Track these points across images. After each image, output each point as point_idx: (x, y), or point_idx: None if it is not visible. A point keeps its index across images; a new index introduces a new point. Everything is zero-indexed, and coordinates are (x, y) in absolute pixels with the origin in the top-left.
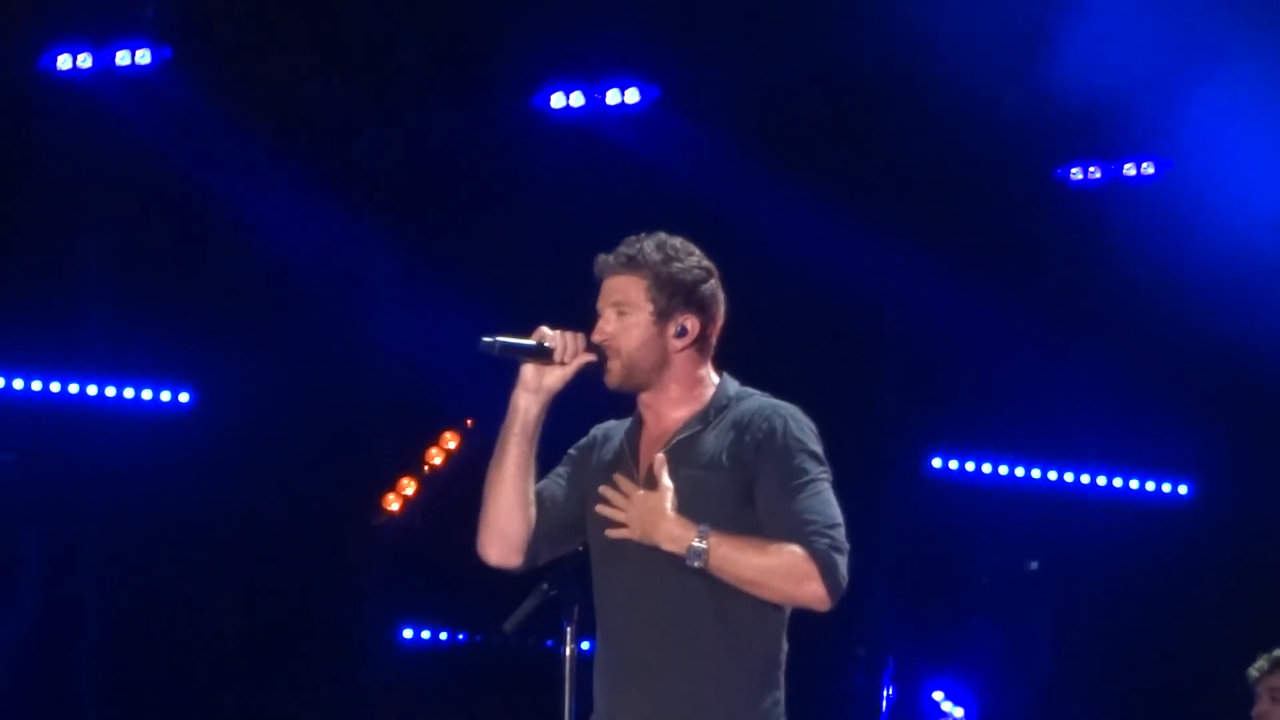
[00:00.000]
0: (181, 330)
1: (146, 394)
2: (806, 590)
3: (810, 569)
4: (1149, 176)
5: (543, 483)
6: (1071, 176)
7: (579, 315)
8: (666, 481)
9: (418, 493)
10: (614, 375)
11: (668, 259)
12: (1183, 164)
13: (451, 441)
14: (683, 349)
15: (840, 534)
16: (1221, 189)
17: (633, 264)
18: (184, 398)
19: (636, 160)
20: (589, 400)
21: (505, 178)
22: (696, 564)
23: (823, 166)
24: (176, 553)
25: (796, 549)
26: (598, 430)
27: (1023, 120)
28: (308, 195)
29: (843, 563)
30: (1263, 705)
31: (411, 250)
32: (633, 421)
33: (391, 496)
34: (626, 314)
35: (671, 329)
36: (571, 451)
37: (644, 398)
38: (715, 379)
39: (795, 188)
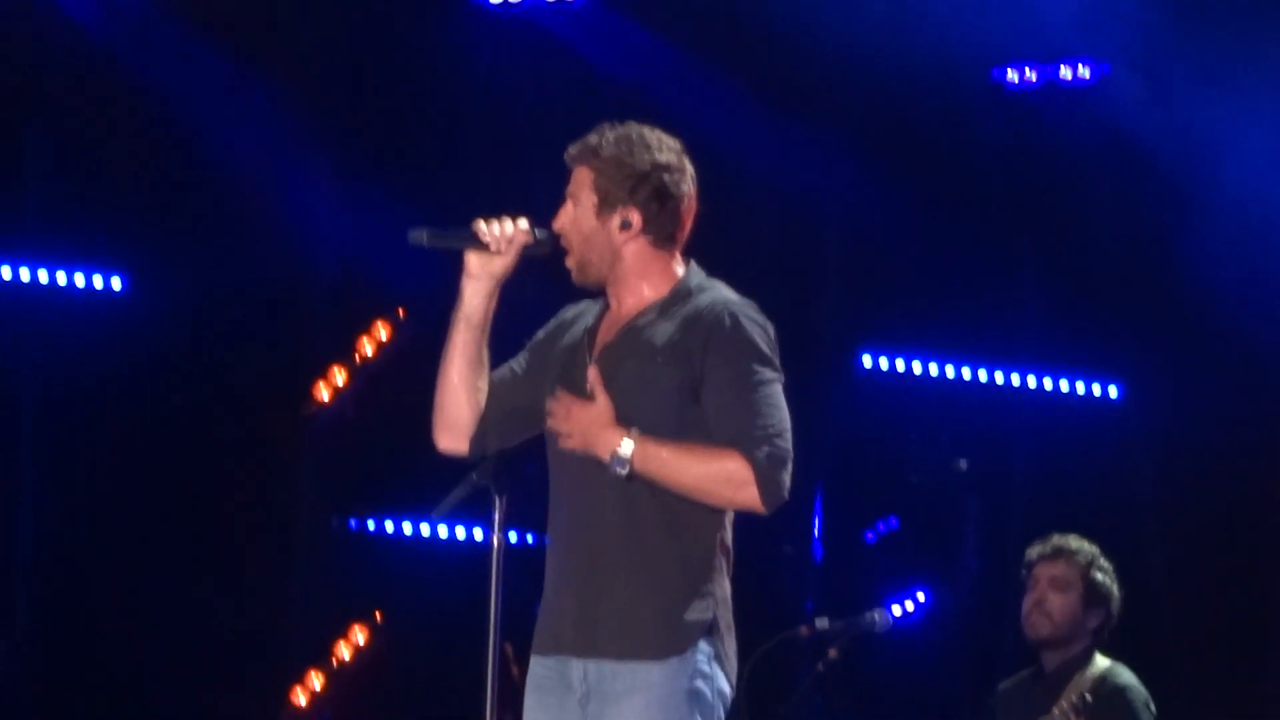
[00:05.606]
0: (116, 216)
1: (79, 279)
2: (743, 496)
3: (746, 476)
4: (1084, 80)
5: (499, 370)
6: (1008, 79)
7: (517, 207)
8: (602, 395)
9: (348, 382)
10: (572, 271)
11: (619, 150)
12: (1118, 68)
13: (383, 331)
14: (628, 242)
15: (783, 442)
16: (1156, 94)
17: (583, 154)
18: (116, 283)
19: (575, 56)
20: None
21: (444, 70)
22: (621, 471)
23: (761, 65)
24: (106, 440)
25: (734, 456)
26: (568, 311)
27: (960, 20)
28: (244, 84)
29: (782, 471)
30: (1040, 592)
31: (349, 139)
32: (601, 303)
33: (322, 385)
34: (576, 206)
35: (615, 221)
36: (539, 334)
37: (607, 286)
38: (680, 269)
39: (732, 86)
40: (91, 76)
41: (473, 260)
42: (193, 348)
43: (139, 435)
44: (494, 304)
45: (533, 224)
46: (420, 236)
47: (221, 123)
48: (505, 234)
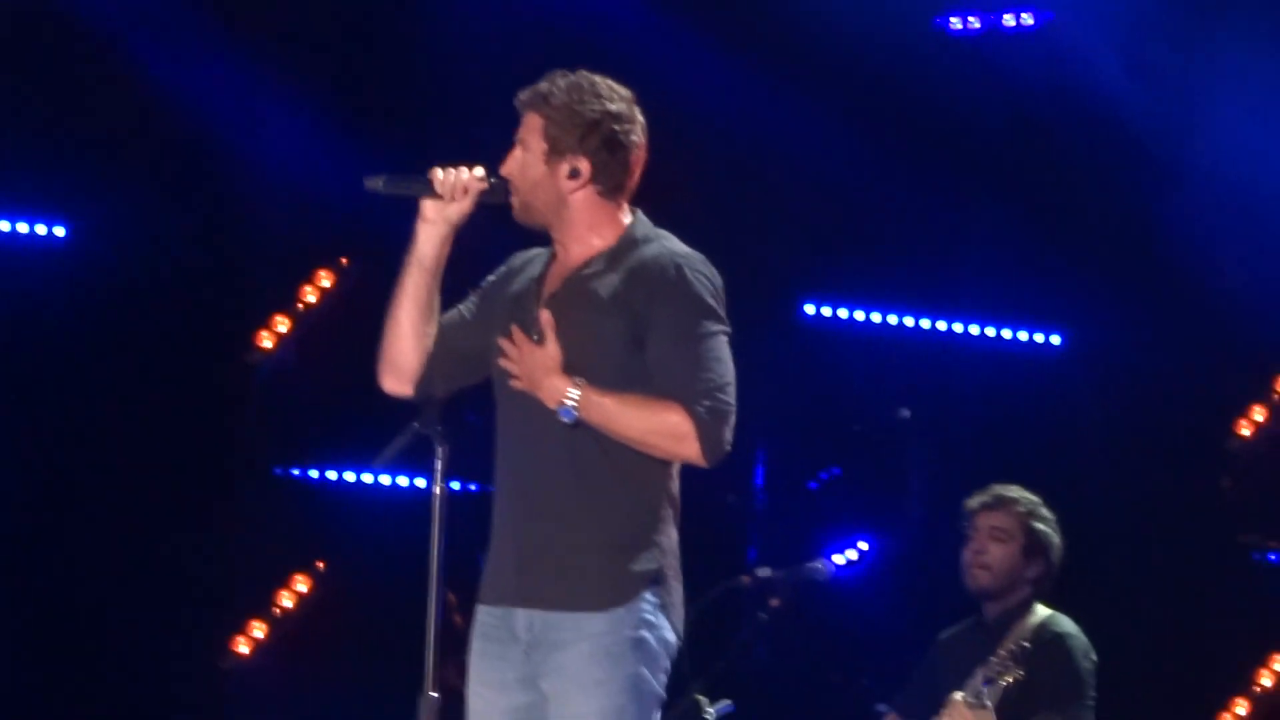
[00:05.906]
0: (57, 163)
1: (22, 227)
2: (684, 449)
3: (688, 430)
4: (1028, 27)
5: (447, 313)
6: (951, 25)
7: (469, 152)
8: (552, 340)
9: (291, 331)
10: (516, 211)
11: (570, 98)
12: (1061, 15)
13: (326, 279)
14: (576, 190)
15: (725, 396)
16: (1098, 41)
17: (533, 100)
18: (59, 231)
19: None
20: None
21: (396, 14)
22: (566, 420)
23: (707, 12)
24: (47, 389)
25: (675, 409)
26: (517, 258)
27: None
28: (191, 29)
29: (724, 425)
30: (979, 542)
31: (297, 85)
32: (549, 252)
33: (265, 334)
34: (525, 152)
35: (564, 169)
36: (491, 277)
37: (553, 233)
38: (627, 219)
39: (678, 33)
40: (32, 18)
41: (428, 206)
42: (135, 296)
43: (80, 384)
44: (447, 249)
45: (488, 171)
46: (376, 183)
47: (165, 69)
48: (461, 182)
